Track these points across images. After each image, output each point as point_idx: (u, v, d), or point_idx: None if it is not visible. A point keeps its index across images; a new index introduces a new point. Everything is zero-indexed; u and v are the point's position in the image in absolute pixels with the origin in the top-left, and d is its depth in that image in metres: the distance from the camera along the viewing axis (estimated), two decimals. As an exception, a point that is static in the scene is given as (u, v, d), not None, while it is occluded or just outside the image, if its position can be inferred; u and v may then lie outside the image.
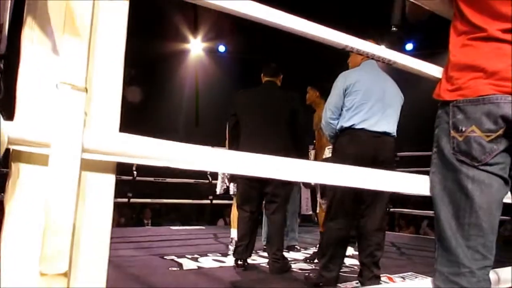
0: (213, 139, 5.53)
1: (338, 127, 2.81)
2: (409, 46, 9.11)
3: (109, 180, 0.74)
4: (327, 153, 4.05)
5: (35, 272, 0.63)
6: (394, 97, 2.85)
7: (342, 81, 2.80)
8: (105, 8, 0.72)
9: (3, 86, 0.91)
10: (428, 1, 1.35)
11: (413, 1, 1.35)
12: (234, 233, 4.06)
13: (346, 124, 2.73)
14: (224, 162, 0.85)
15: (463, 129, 1.14)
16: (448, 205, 1.19)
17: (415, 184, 1.31)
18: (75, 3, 0.66)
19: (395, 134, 2.85)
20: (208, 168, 0.84)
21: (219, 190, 4.36)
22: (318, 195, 4.16)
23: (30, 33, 0.67)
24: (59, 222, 0.64)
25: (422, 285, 1.31)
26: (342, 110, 2.78)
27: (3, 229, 0.65)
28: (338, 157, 2.75)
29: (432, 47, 8.17)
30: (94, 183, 0.72)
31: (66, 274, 0.64)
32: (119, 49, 0.73)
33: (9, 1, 0.91)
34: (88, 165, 0.70)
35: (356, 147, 2.64)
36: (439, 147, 1.22)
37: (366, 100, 2.72)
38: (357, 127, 2.70)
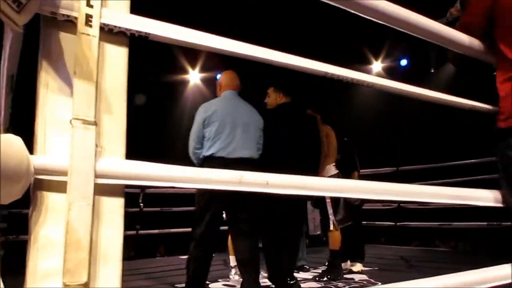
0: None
1: (201, 156, 3.01)
2: (404, 62, 9.28)
3: (119, 201, 0.84)
4: (333, 169, 4.14)
5: (59, 284, 0.72)
6: (250, 123, 3.09)
7: (201, 113, 3.06)
8: (108, 53, 0.85)
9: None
10: (468, 49, 1.53)
11: (455, 50, 1.54)
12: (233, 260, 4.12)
13: (207, 153, 2.95)
14: (223, 179, 0.95)
15: None
16: None
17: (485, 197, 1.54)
18: (83, 50, 0.78)
19: (255, 157, 3.07)
20: (208, 185, 0.94)
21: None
22: (331, 213, 4.17)
23: (45, 77, 0.79)
24: (78, 240, 0.74)
25: (503, 270, 1.45)
26: (203, 139, 3.00)
27: (30, 249, 0.75)
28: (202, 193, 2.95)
29: (425, 64, 8.36)
30: (106, 205, 0.82)
31: (86, 284, 0.74)
32: (122, 87, 0.85)
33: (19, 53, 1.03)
34: (100, 189, 0.80)
35: None
36: (503, 165, 1.47)
37: (222, 129, 2.97)
38: (216, 155, 2.93)
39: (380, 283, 3.74)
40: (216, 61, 9.95)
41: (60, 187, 0.77)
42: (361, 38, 8.31)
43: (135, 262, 6.21)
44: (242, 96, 3.26)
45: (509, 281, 1.45)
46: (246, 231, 3.05)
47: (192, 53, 10.12)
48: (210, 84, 10.64)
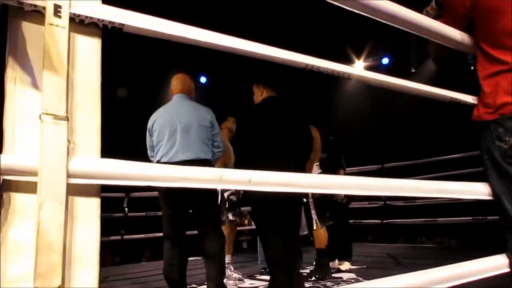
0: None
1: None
2: (385, 60, 9.37)
3: (94, 202, 0.80)
4: (316, 169, 4.11)
5: (31, 289, 0.68)
6: (192, 124, 3.07)
7: (148, 124, 3.19)
8: (79, 45, 0.80)
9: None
10: (450, 40, 1.55)
11: (435, 41, 1.56)
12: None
13: (155, 160, 3.06)
14: (203, 177, 0.92)
15: (507, 139, 1.46)
16: (509, 197, 1.48)
17: (471, 190, 1.55)
18: (52, 42, 0.74)
19: (203, 157, 3.03)
20: (187, 184, 0.90)
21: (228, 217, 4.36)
22: (313, 212, 4.15)
23: (12, 73, 0.75)
24: (50, 242, 0.70)
25: (497, 260, 1.46)
26: (154, 148, 3.12)
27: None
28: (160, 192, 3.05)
29: (407, 62, 8.44)
30: (81, 205, 0.78)
31: (60, 289, 0.70)
32: (95, 80, 0.81)
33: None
34: (73, 189, 0.76)
35: None
36: (490, 156, 1.53)
37: (162, 136, 3.05)
38: (161, 161, 3.00)
39: (368, 281, 3.73)
40: (200, 62, 9.90)
41: (30, 187, 0.73)
42: (343, 37, 8.34)
43: (121, 267, 6.12)
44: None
45: (505, 270, 1.46)
46: (210, 232, 3.06)
47: (176, 54, 10.06)
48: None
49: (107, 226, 6.42)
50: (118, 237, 6.19)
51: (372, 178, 1.26)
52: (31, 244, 0.70)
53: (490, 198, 1.53)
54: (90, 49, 0.81)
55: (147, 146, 3.18)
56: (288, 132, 2.94)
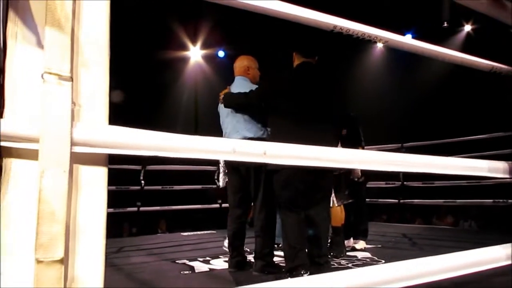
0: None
1: None
2: (408, 37, 9.09)
3: (101, 172, 0.74)
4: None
5: (31, 260, 0.64)
6: None
7: None
8: (86, -1, 0.74)
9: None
10: (477, 3, 1.39)
11: (463, 3, 1.40)
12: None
13: None
14: (215, 148, 0.86)
15: None
16: None
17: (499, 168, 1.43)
18: (55, -5, 0.67)
19: (251, 136, 3.16)
20: (198, 155, 0.85)
21: (221, 183, 4.01)
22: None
23: (13, 28, 0.69)
24: (52, 211, 0.65)
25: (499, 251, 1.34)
26: None
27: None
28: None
29: (430, 37, 8.16)
30: (86, 175, 0.72)
31: (62, 261, 0.65)
32: (103, 37, 0.74)
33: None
34: (78, 158, 0.71)
35: None
36: None
37: (223, 118, 3.41)
38: None
39: (383, 261, 3.70)
40: (218, 37, 9.76)
41: (32, 154, 0.68)
42: (362, 16, 8.08)
43: (137, 238, 6.20)
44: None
45: (508, 262, 1.36)
46: (258, 207, 3.21)
47: (192, 29, 9.91)
48: (211, 61, 10.46)
49: (124, 198, 6.51)
50: (135, 209, 6.26)
51: (392, 153, 1.19)
52: (32, 214, 0.66)
53: None
54: (98, 1, 0.74)
55: None
56: (316, 98, 2.84)
